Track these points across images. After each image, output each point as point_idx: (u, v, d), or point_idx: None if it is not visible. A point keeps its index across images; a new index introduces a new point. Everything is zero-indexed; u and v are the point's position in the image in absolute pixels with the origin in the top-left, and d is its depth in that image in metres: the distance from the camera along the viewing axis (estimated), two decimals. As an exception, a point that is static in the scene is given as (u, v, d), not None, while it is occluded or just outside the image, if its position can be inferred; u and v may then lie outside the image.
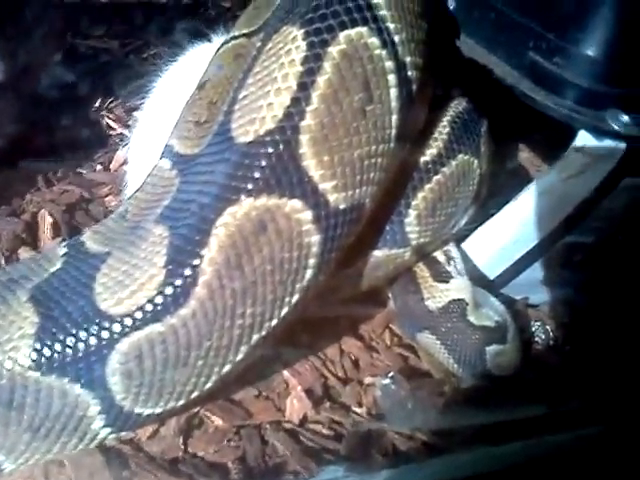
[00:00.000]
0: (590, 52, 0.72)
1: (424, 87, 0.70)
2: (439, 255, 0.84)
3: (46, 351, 0.58)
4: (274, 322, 0.63)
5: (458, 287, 0.82)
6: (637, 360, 0.85)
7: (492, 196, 0.89)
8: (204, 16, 1.57)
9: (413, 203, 0.78)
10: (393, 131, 0.66)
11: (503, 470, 0.74)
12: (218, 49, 0.77)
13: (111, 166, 1.09)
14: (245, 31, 0.73)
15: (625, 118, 0.73)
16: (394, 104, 0.65)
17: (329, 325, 0.84)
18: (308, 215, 0.61)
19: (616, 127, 0.73)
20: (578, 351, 0.89)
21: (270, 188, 0.60)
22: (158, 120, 0.88)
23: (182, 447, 0.67)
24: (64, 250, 0.66)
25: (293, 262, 0.62)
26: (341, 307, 0.85)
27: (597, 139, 0.75)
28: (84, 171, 1.07)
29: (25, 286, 0.62)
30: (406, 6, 0.67)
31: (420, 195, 0.78)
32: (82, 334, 0.58)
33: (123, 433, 0.66)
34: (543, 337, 0.90)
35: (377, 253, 0.78)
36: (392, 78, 0.64)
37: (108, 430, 0.63)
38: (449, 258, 0.84)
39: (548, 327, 0.91)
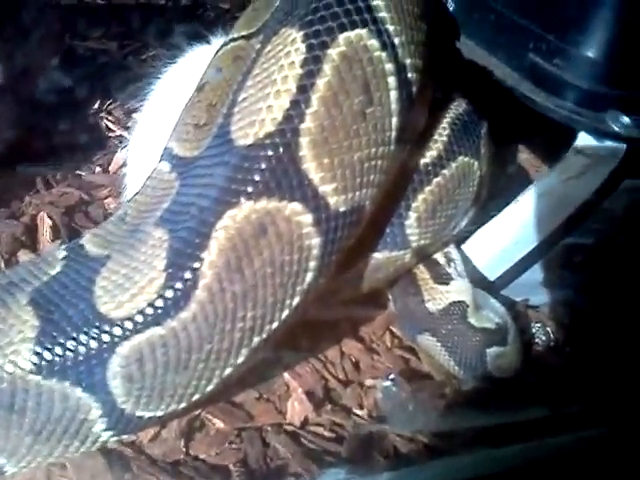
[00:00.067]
0: (590, 53, 0.72)
1: (424, 89, 0.70)
2: (439, 257, 0.84)
3: (47, 355, 0.58)
4: (275, 325, 0.63)
5: (458, 289, 0.82)
6: (638, 361, 0.85)
7: (492, 198, 0.89)
8: (202, 18, 1.58)
9: (413, 205, 0.78)
10: (393, 133, 0.66)
11: (504, 472, 0.74)
12: (217, 51, 0.77)
13: (110, 168, 1.09)
14: (244, 33, 0.73)
15: (625, 119, 0.73)
16: (394, 106, 0.65)
17: (329, 327, 0.84)
18: (308, 218, 0.61)
19: (616, 128, 0.73)
20: (579, 352, 0.89)
21: (270, 191, 0.60)
22: (157, 122, 0.88)
23: (183, 449, 0.67)
24: (64, 253, 0.66)
25: (293, 265, 0.62)
26: (341, 309, 0.85)
27: (597, 140, 0.75)
28: (83, 173, 1.07)
29: (25, 289, 0.62)
30: (406, 8, 0.67)
31: (420, 197, 0.78)
32: (83, 337, 0.58)
33: (125, 436, 0.66)
34: (544, 338, 0.89)
35: (377, 255, 0.78)
36: (392, 80, 0.64)
37: (109, 433, 0.63)
38: (449, 260, 0.84)
39: (548, 328, 0.91)
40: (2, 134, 0.99)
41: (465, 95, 0.86)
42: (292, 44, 0.62)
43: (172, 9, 1.63)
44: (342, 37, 0.62)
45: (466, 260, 0.86)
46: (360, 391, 0.78)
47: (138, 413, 0.62)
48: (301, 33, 0.62)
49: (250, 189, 0.60)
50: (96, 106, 1.21)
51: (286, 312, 0.64)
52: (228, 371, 0.64)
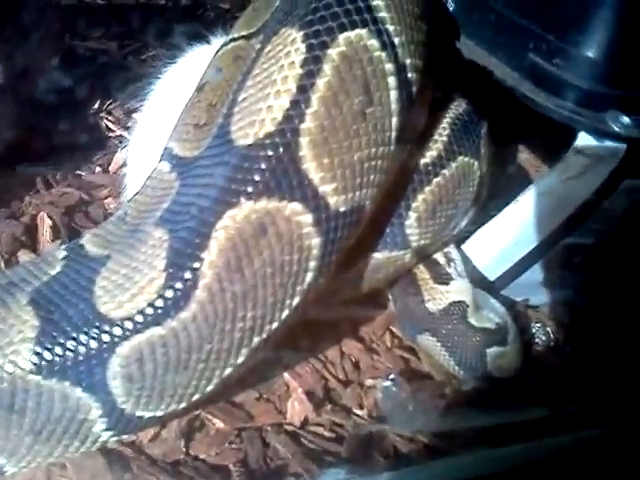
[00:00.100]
0: (590, 53, 0.72)
1: (424, 89, 0.70)
2: (439, 257, 0.85)
3: (47, 355, 0.58)
4: (275, 325, 0.63)
5: (458, 289, 0.82)
6: (638, 361, 0.85)
7: (492, 198, 0.89)
8: (202, 18, 1.58)
9: (413, 205, 0.78)
10: (393, 133, 0.66)
11: (504, 472, 0.74)
12: (217, 51, 0.77)
13: (110, 168, 1.09)
14: (244, 33, 0.73)
15: (625, 119, 0.73)
16: (394, 106, 0.65)
17: (329, 327, 0.84)
18: (308, 218, 0.61)
19: (616, 128, 0.73)
20: (579, 352, 0.89)
21: (270, 191, 0.60)
22: (157, 122, 0.88)
23: (183, 449, 0.67)
24: (64, 253, 0.66)
25: (293, 265, 0.62)
26: (342, 309, 0.85)
27: (597, 140, 0.75)
28: (83, 173, 1.07)
29: (25, 289, 0.62)
30: (406, 8, 0.67)
31: (420, 197, 0.78)
32: (83, 337, 0.58)
33: (125, 436, 0.66)
34: (544, 338, 0.90)
35: (377, 255, 0.78)
36: (392, 80, 0.64)
37: (109, 433, 0.63)
38: (449, 260, 0.84)
39: (549, 328, 0.91)
40: (2, 134, 0.99)
41: (465, 95, 0.86)
42: (292, 44, 0.62)
43: (172, 9, 1.63)
44: (342, 37, 0.62)
45: (466, 260, 0.86)
46: (360, 391, 0.78)
47: (138, 413, 0.62)
48: (301, 33, 0.62)
49: (250, 189, 0.60)
50: (96, 106, 1.21)
51: (286, 312, 0.64)
52: (228, 371, 0.64)
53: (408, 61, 0.66)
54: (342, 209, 0.63)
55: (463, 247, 0.88)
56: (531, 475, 0.73)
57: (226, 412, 0.72)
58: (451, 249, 0.86)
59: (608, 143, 0.75)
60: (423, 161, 0.79)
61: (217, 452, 0.68)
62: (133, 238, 0.63)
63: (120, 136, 1.15)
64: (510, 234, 0.85)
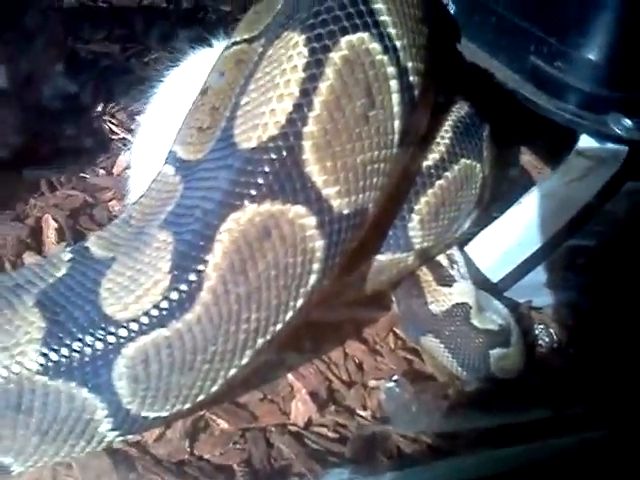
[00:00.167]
0: (592, 56, 0.72)
1: (426, 92, 0.70)
2: (442, 259, 0.85)
3: (53, 355, 0.58)
4: (279, 326, 0.64)
5: (461, 291, 0.82)
6: (641, 362, 0.85)
7: (495, 200, 0.89)
8: (204, 20, 1.58)
9: (416, 208, 0.78)
10: (396, 136, 0.66)
11: (507, 473, 0.74)
12: (220, 55, 0.78)
13: (114, 170, 1.09)
14: (246, 36, 0.73)
15: (627, 122, 0.73)
16: (396, 110, 0.65)
17: (333, 329, 0.84)
18: (312, 221, 0.62)
19: (618, 131, 0.73)
20: (582, 354, 0.89)
21: (273, 194, 0.60)
22: (160, 125, 0.88)
23: (188, 450, 0.68)
24: (69, 255, 0.66)
25: (297, 267, 0.62)
26: (345, 311, 0.85)
27: (599, 143, 0.75)
28: (87, 176, 1.07)
29: (31, 291, 0.63)
30: (407, 12, 0.67)
31: (423, 200, 0.78)
32: (89, 339, 0.59)
33: (130, 436, 0.66)
34: (547, 340, 0.90)
35: (381, 257, 0.79)
36: (394, 84, 0.65)
37: (115, 433, 0.64)
38: (452, 262, 0.84)
39: (552, 330, 0.91)
40: (7, 138, 1.00)
41: (467, 98, 0.86)
42: (294, 48, 0.62)
43: (174, 12, 1.63)
44: (344, 41, 0.62)
45: (469, 262, 0.87)
46: (364, 392, 0.79)
47: (143, 413, 0.63)
48: (303, 37, 0.62)
49: (254, 192, 0.60)
50: (99, 109, 1.22)
51: (290, 314, 0.64)
52: (232, 372, 0.64)
53: (410, 64, 0.66)
54: (345, 212, 0.64)
55: (466, 249, 0.88)
56: (534, 476, 0.73)
57: (230, 413, 0.72)
58: (454, 251, 0.86)
59: (610, 146, 0.75)
60: (425, 164, 0.79)
61: (221, 452, 0.69)
62: (138, 240, 0.64)
63: (123, 139, 1.15)
64: (513, 236, 0.85)
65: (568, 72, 0.73)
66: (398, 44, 0.65)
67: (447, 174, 0.79)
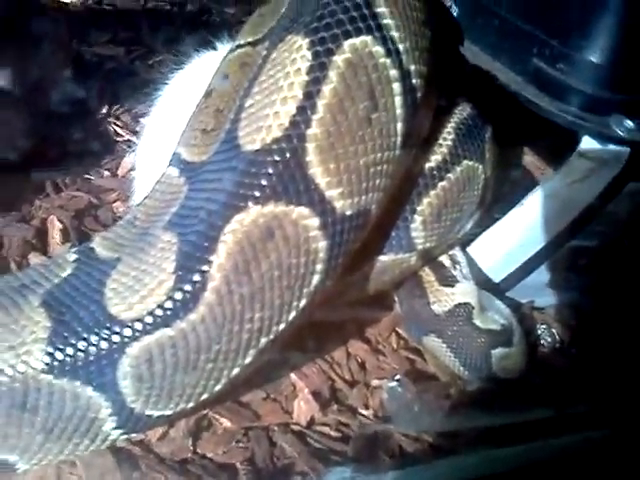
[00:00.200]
0: (594, 58, 0.72)
1: (429, 95, 0.70)
2: (445, 259, 0.85)
3: (58, 355, 0.59)
4: (282, 326, 0.64)
5: (464, 291, 0.82)
6: (643, 363, 0.85)
7: (497, 201, 0.89)
8: (208, 23, 1.59)
9: (418, 209, 0.78)
10: (398, 138, 0.66)
11: (508, 472, 0.74)
12: (224, 58, 0.78)
13: (118, 172, 1.10)
14: (250, 40, 0.74)
15: (629, 124, 0.73)
16: (399, 112, 0.65)
17: (336, 329, 0.85)
18: (315, 222, 0.62)
19: (620, 133, 0.73)
20: (584, 354, 0.89)
21: (277, 195, 0.60)
22: (165, 127, 0.89)
23: (191, 448, 0.68)
24: (74, 256, 0.67)
25: (300, 268, 0.62)
26: (348, 311, 0.86)
27: (601, 144, 0.76)
28: (92, 177, 1.08)
29: (37, 291, 0.63)
30: (410, 15, 0.67)
31: (425, 201, 0.79)
32: (93, 338, 0.59)
33: (134, 435, 0.67)
34: (549, 340, 0.90)
35: (383, 258, 0.79)
36: (397, 86, 0.65)
37: (119, 432, 0.64)
38: (455, 262, 0.85)
39: (554, 330, 0.91)
40: (15, 141, 1.00)
41: (469, 100, 0.86)
42: (298, 51, 0.63)
43: (178, 15, 1.64)
44: (347, 44, 0.62)
45: (471, 262, 0.87)
46: (366, 391, 0.79)
47: (147, 412, 0.63)
48: (307, 40, 0.62)
49: (258, 193, 0.60)
50: (104, 111, 1.22)
51: (293, 314, 0.64)
52: (236, 371, 0.64)
53: (413, 67, 0.67)
54: (348, 213, 0.64)
55: (468, 250, 0.88)
56: (535, 475, 0.73)
57: (233, 412, 0.73)
58: (456, 252, 0.86)
59: (612, 147, 0.76)
60: (428, 165, 0.80)
61: (224, 451, 0.69)
62: (143, 241, 0.64)
63: (128, 141, 1.16)
64: (515, 237, 0.85)
65: (570, 74, 0.73)
66: (401, 47, 0.65)
67: (449, 175, 0.80)
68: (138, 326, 0.60)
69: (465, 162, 0.81)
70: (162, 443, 0.68)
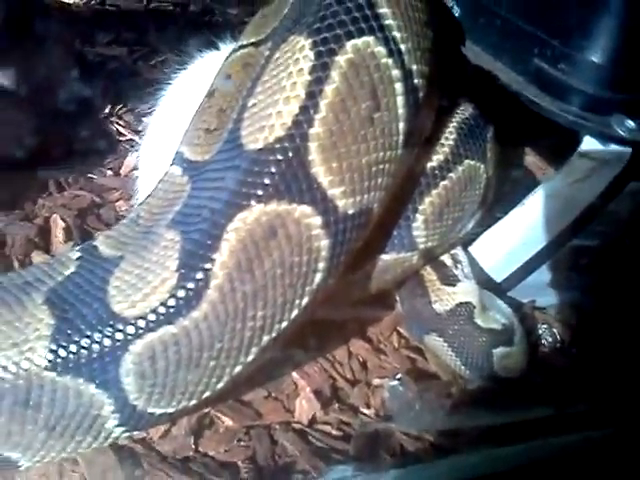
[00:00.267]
0: (595, 58, 0.72)
1: (430, 94, 0.70)
2: (446, 259, 0.85)
3: (62, 352, 0.59)
4: (284, 324, 0.64)
5: (465, 290, 0.83)
6: (644, 362, 0.85)
7: (499, 200, 0.89)
8: (211, 24, 1.59)
9: (420, 208, 0.79)
10: (400, 138, 0.67)
11: (509, 471, 0.74)
12: (226, 58, 0.78)
13: (121, 171, 1.10)
14: (253, 40, 0.74)
15: (630, 123, 0.73)
16: (401, 111, 0.66)
17: (338, 327, 0.85)
18: (317, 220, 0.62)
19: (621, 132, 0.73)
20: (585, 354, 0.89)
21: (280, 194, 0.61)
22: (168, 127, 0.89)
23: (193, 446, 0.69)
24: (78, 254, 0.67)
25: (303, 266, 0.63)
26: (350, 310, 0.86)
27: (603, 144, 0.75)
28: (95, 176, 1.08)
29: (40, 289, 0.63)
30: (412, 15, 0.68)
31: (427, 200, 0.79)
32: (97, 335, 0.59)
33: (136, 432, 0.67)
34: (550, 340, 0.90)
35: (385, 257, 0.79)
36: (399, 86, 0.65)
37: (122, 429, 0.64)
38: (456, 262, 0.85)
39: (555, 330, 0.91)
40: (22, 139, 1.01)
41: (471, 100, 0.87)
42: (300, 51, 0.63)
43: (181, 15, 1.65)
44: (349, 44, 0.63)
45: (473, 262, 0.87)
46: (367, 390, 0.79)
47: (150, 410, 0.63)
48: (309, 40, 0.63)
49: (260, 192, 0.61)
50: (107, 111, 1.23)
51: (295, 312, 0.64)
52: (238, 369, 0.64)
53: (414, 67, 0.67)
54: (350, 212, 0.64)
55: (470, 249, 0.88)
56: (536, 474, 0.73)
57: (235, 410, 0.73)
58: (458, 251, 0.87)
59: (613, 147, 0.75)
60: (430, 164, 0.80)
61: (226, 449, 0.70)
62: (146, 239, 0.64)
63: (130, 140, 1.16)
64: (516, 236, 0.85)
65: (572, 74, 0.74)
66: (403, 47, 0.66)
67: (451, 175, 0.80)
68: (141, 324, 0.60)
69: (467, 161, 0.81)
70: (164, 441, 0.69)
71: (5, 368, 0.58)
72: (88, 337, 0.59)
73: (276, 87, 0.63)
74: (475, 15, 0.85)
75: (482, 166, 0.83)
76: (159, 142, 0.90)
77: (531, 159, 1.01)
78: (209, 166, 0.66)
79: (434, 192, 0.79)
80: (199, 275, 0.60)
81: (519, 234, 0.86)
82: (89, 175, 1.08)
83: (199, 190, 0.66)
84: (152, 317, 0.60)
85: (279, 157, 0.61)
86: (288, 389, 0.77)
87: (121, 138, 1.18)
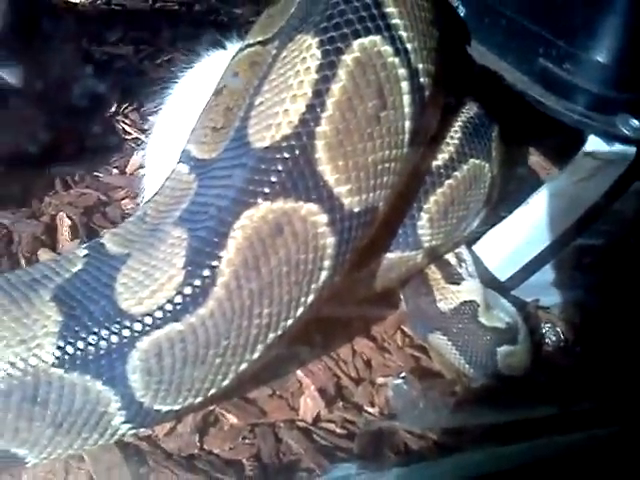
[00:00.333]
0: (600, 58, 0.72)
1: (436, 93, 0.71)
2: (451, 257, 0.86)
3: (69, 349, 0.59)
4: (290, 322, 0.65)
5: (469, 289, 0.83)
6: (647, 362, 0.85)
7: (503, 199, 0.89)
8: (216, 23, 1.60)
9: (425, 206, 0.79)
10: (406, 136, 0.67)
11: (513, 469, 0.74)
12: (234, 56, 0.79)
13: (127, 170, 1.11)
14: (260, 39, 0.75)
15: (635, 123, 0.73)
16: (407, 110, 0.66)
17: (342, 326, 0.85)
18: (323, 218, 0.63)
19: (626, 132, 0.73)
20: (589, 352, 0.89)
21: (286, 192, 0.61)
22: (174, 125, 0.90)
23: (198, 444, 0.69)
24: (85, 252, 0.67)
25: (308, 264, 0.63)
26: (354, 308, 0.86)
27: (607, 144, 0.75)
28: (101, 175, 1.09)
29: (48, 286, 0.64)
30: (418, 15, 0.68)
31: (432, 199, 0.79)
32: (104, 332, 0.60)
33: (142, 429, 0.67)
34: (554, 338, 0.90)
35: (390, 255, 0.79)
36: (405, 85, 0.66)
37: (128, 426, 0.65)
38: (460, 260, 0.85)
39: (559, 329, 0.91)
40: (25, 138, 1.01)
41: (476, 99, 0.87)
42: (307, 50, 0.63)
43: (186, 15, 1.65)
44: (356, 43, 0.63)
45: (477, 261, 0.87)
46: (371, 389, 0.80)
47: (156, 406, 0.63)
48: (316, 39, 0.63)
49: (267, 190, 0.61)
50: (113, 109, 1.23)
51: (301, 309, 0.65)
52: (244, 366, 0.65)
53: (420, 66, 0.67)
54: (356, 210, 0.65)
55: (474, 248, 0.89)
56: (540, 473, 0.73)
57: (240, 408, 0.73)
58: (462, 250, 0.87)
59: (618, 146, 0.75)
60: (435, 163, 0.80)
61: (231, 447, 0.70)
62: (153, 237, 0.65)
63: (136, 139, 1.17)
64: (521, 235, 0.85)
65: (577, 74, 0.73)
66: (409, 46, 0.66)
67: (456, 174, 0.80)
68: (148, 320, 0.60)
69: (472, 160, 0.81)
70: (169, 439, 0.69)
71: (13, 365, 0.59)
72: (95, 334, 0.60)
73: (283, 85, 0.63)
74: (480, 15, 0.85)
75: (487, 165, 0.83)
76: (166, 140, 0.91)
77: (536, 158, 1.01)
78: (216, 164, 0.67)
79: (439, 191, 0.79)
80: (206, 272, 0.60)
81: (523, 233, 0.86)
82: (95, 173, 1.09)
83: (206, 188, 0.66)
84: (159, 314, 0.60)
85: (286, 155, 0.61)
86: (293, 387, 0.77)
87: (127, 137, 1.19)
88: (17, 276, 0.66)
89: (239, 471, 0.68)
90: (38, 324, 0.61)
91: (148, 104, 1.16)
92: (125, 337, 0.60)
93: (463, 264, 0.85)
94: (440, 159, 0.80)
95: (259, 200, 0.61)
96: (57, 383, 0.60)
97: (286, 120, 0.62)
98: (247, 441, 0.71)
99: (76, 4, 1.53)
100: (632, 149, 0.76)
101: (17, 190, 0.98)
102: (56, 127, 1.05)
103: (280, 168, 0.61)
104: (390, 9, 0.65)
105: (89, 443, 0.64)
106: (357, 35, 0.63)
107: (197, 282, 0.60)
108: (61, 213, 0.97)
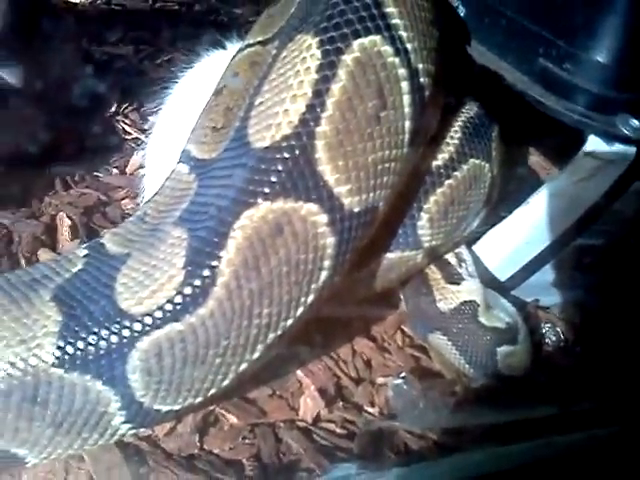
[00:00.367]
0: (600, 58, 0.72)
1: (436, 93, 0.71)
2: (451, 257, 0.86)
3: (69, 349, 0.59)
4: (290, 322, 0.65)
5: (469, 289, 0.83)
6: (648, 362, 0.85)
7: (503, 199, 0.89)
8: (216, 23, 1.60)
9: (425, 206, 0.79)
10: (406, 136, 0.67)
11: (513, 469, 0.74)
12: (234, 56, 0.79)
13: (127, 170, 1.11)
14: (260, 39, 0.75)
15: (635, 123, 0.73)
16: (407, 110, 0.66)
17: (342, 326, 0.85)
18: (323, 218, 0.63)
19: (626, 132, 0.73)
20: (589, 352, 0.89)
21: (286, 192, 0.61)
22: (174, 125, 0.90)
23: (198, 444, 0.69)
24: (85, 252, 0.67)
25: (308, 264, 0.63)
26: (354, 308, 0.86)
27: (607, 143, 0.75)
28: (101, 175, 1.09)
29: (48, 286, 0.63)
30: (418, 15, 0.68)
31: (432, 199, 0.79)
32: (104, 332, 0.60)
33: (142, 429, 0.67)
34: (554, 339, 0.90)
35: (390, 255, 0.79)
36: (405, 85, 0.66)
37: (128, 426, 0.65)
38: (460, 260, 0.85)
39: (559, 329, 0.91)
40: (25, 138, 1.01)
41: (476, 99, 0.87)
42: (308, 50, 0.63)
43: (186, 15, 1.65)
44: (356, 43, 0.63)
45: (477, 261, 0.87)
46: (371, 389, 0.80)
47: (156, 407, 0.63)
48: (316, 39, 0.63)
49: (267, 190, 0.61)
50: (113, 109, 1.23)
51: (301, 309, 0.65)
52: (244, 366, 0.65)
53: (420, 66, 0.67)
54: (356, 210, 0.65)
55: (474, 248, 0.89)
56: (540, 473, 0.73)
57: (240, 408, 0.73)
58: (462, 250, 0.87)
59: (618, 146, 0.75)
60: (435, 163, 0.80)
61: (231, 447, 0.70)
62: (153, 237, 0.65)
63: (136, 139, 1.17)
64: (521, 235, 0.86)
65: (577, 74, 0.74)
66: (409, 46, 0.66)
67: (456, 174, 0.80)
68: (148, 320, 0.60)
69: (472, 160, 0.81)
70: (169, 439, 0.69)
71: (13, 364, 0.59)
72: (95, 334, 0.60)
73: (283, 85, 0.63)
74: (480, 15, 0.85)
75: (487, 165, 0.83)
76: (166, 140, 0.91)
77: (536, 158, 1.01)
78: (216, 164, 0.67)
79: (439, 191, 0.79)
80: (206, 272, 0.60)
81: (523, 233, 0.86)
82: (95, 173, 1.09)
83: (206, 188, 0.66)
84: (159, 314, 0.60)
85: (286, 155, 0.61)
86: (292, 387, 0.77)
87: (127, 137, 1.19)
88: (17, 276, 0.66)
89: (239, 471, 0.68)
90: (38, 324, 0.61)
91: (148, 104, 1.16)
92: (125, 337, 0.60)
93: (463, 264, 0.85)
94: (440, 159, 0.80)
95: (259, 200, 0.61)
96: (57, 383, 0.60)
97: (286, 120, 0.62)
98: (247, 441, 0.71)
99: (76, 4, 1.54)
100: (632, 149, 0.76)
101: (17, 190, 0.98)
102: (56, 127, 1.05)
103: (280, 168, 0.61)
104: (390, 9, 0.65)
105: (89, 443, 0.64)
106: (357, 35, 0.63)
107: (197, 282, 0.60)
108: (61, 213, 0.97)
